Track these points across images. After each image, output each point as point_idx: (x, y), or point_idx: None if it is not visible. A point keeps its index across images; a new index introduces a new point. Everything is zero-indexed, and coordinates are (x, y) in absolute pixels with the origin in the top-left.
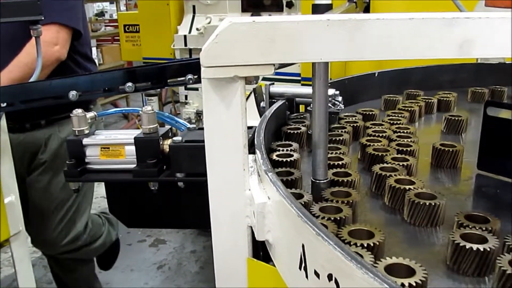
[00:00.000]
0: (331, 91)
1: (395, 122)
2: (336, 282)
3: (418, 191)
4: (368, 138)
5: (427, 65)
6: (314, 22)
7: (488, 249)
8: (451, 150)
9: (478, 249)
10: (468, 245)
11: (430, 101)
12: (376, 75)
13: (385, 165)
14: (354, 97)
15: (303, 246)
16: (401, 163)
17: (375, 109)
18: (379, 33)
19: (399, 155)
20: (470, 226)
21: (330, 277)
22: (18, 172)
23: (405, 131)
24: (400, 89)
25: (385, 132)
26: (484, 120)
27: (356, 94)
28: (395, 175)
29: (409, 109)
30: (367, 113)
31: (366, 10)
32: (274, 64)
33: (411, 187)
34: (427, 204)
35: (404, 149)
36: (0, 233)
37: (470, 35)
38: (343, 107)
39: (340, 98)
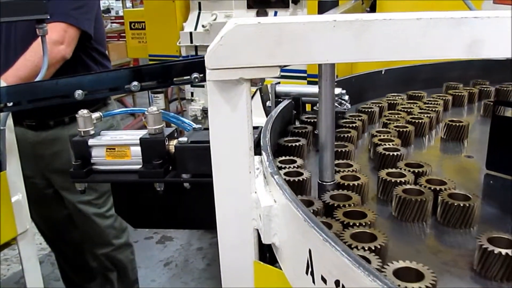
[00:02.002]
0: (337, 90)
1: (431, 102)
2: None
3: (389, 146)
4: (393, 111)
5: (435, 62)
6: (320, 23)
7: (404, 181)
8: (457, 125)
9: (395, 181)
10: (391, 179)
11: (487, 89)
12: (383, 72)
13: (383, 129)
14: (362, 95)
15: (310, 251)
16: (398, 129)
17: (423, 92)
18: (386, 33)
19: (402, 124)
20: (404, 169)
21: (337, 283)
22: (40, 171)
23: (431, 109)
24: (408, 87)
25: (412, 108)
26: (492, 120)
27: (363, 92)
28: (383, 135)
29: (457, 94)
30: (416, 94)
31: (373, 6)
32: (280, 66)
33: (387, 144)
34: (389, 154)
35: (413, 121)
36: (8, 232)
37: (479, 35)
38: (349, 106)
39: (346, 97)
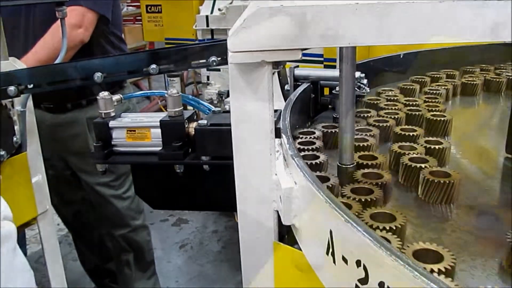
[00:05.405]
0: (356, 74)
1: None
2: (365, 269)
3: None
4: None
5: (453, 45)
6: (343, 5)
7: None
8: (497, 80)
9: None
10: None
11: None
12: (401, 56)
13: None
14: (380, 78)
15: (330, 232)
16: (451, 83)
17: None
18: (408, 16)
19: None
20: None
21: (358, 263)
22: (57, 154)
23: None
24: (426, 70)
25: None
26: None
27: (381, 75)
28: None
29: None
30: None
31: None
32: (301, 49)
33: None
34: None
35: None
36: (28, 212)
37: (503, 17)
38: (368, 90)
39: (365, 81)
